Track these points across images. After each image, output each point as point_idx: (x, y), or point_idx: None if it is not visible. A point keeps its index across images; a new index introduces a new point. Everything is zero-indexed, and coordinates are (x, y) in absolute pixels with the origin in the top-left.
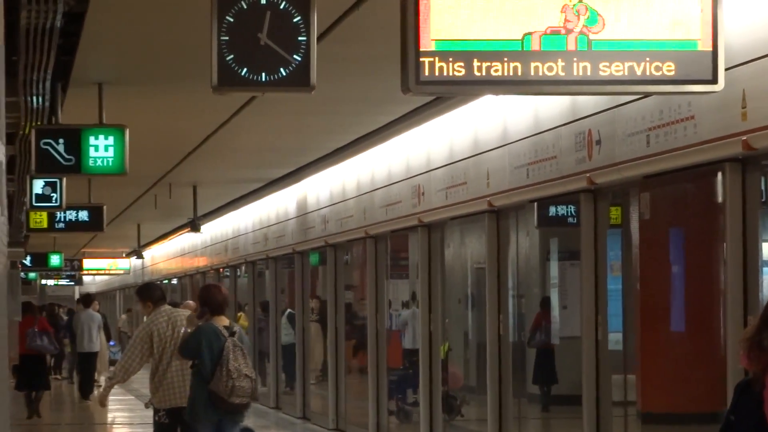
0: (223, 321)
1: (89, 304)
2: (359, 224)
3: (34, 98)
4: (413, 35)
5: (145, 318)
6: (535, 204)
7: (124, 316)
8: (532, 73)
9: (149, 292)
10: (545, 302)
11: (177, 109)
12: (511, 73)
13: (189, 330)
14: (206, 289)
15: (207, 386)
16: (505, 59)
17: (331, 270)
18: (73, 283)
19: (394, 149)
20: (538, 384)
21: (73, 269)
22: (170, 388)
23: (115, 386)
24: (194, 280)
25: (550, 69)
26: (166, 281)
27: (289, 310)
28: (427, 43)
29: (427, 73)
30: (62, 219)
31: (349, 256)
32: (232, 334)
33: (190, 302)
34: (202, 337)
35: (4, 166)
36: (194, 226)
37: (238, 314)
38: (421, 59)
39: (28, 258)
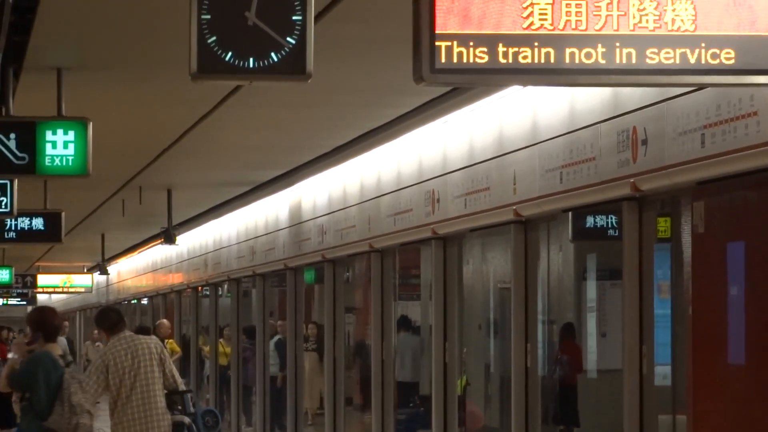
0: (56, 349)
1: None
2: (362, 236)
3: None
4: (428, 15)
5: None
6: (570, 214)
7: (88, 343)
8: (567, 61)
9: (103, 318)
10: (568, 330)
11: (149, 100)
12: (542, 61)
13: (18, 357)
14: (40, 312)
15: (42, 424)
16: (536, 44)
17: (329, 289)
18: (25, 303)
19: (404, 148)
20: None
21: (25, 286)
22: (131, 426)
23: None
24: (168, 299)
25: (588, 56)
26: (135, 301)
27: (278, 336)
28: (444, 25)
29: (443, 60)
30: (13, 227)
31: (351, 273)
32: (68, 364)
33: (165, 321)
34: (39, 366)
35: None
36: (168, 236)
37: (216, 340)
38: (436, 43)
39: None
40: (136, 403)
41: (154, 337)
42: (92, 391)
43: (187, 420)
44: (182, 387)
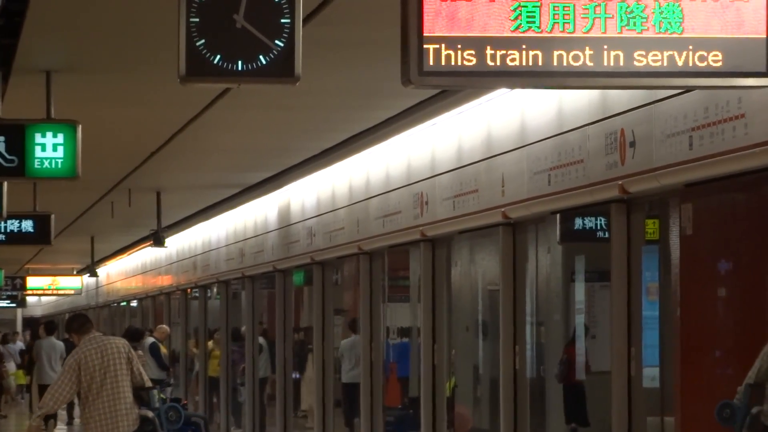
0: None
1: (52, 331)
2: (351, 238)
3: None
4: (416, 18)
5: None
6: (558, 216)
7: None
8: (555, 63)
9: (71, 323)
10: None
11: (138, 103)
12: (530, 63)
13: None
14: None
15: None
16: (524, 47)
17: (318, 291)
18: (14, 305)
19: (392, 150)
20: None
21: (14, 288)
22: (101, 420)
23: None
24: (157, 302)
25: (576, 58)
26: (125, 303)
27: (260, 338)
28: (432, 28)
29: (431, 63)
30: (2, 230)
31: (339, 275)
32: None
33: (164, 327)
34: None
35: None
36: (158, 239)
37: (207, 342)
38: (425, 46)
39: None
40: (106, 398)
41: (122, 339)
42: (65, 391)
43: (151, 414)
44: (148, 384)
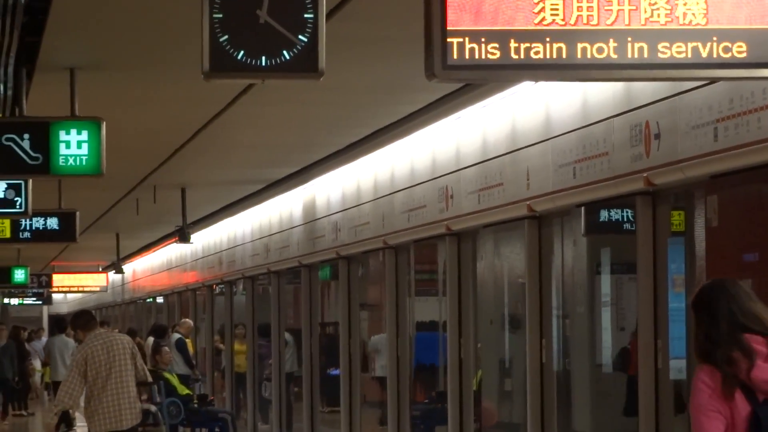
0: None
1: (63, 329)
2: (377, 233)
3: None
4: (440, 11)
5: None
6: (583, 208)
7: None
8: (579, 56)
9: (76, 320)
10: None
11: (162, 100)
12: (554, 56)
13: None
14: None
15: None
16: (548, 39)
17: (344, 286)
18: (40, 302)
19: (417, 145)
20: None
21: (40, 286)
22: (106, 413)
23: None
24: (183, 298)
25: (600, 51)
26: (150, 299)
27: (287, 333)
28: (455, 21)
29: (455, 56)
30: (28, 227)
31: (365, 269)
32: None
33: (188, 321)
34: None
35: None
36: (183, 235)
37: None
38: (448, 39)
39: None
40: (111, 392)
41: (126, 335)
42: (76, 386)
43: (153, 408)
44: (150, 379)
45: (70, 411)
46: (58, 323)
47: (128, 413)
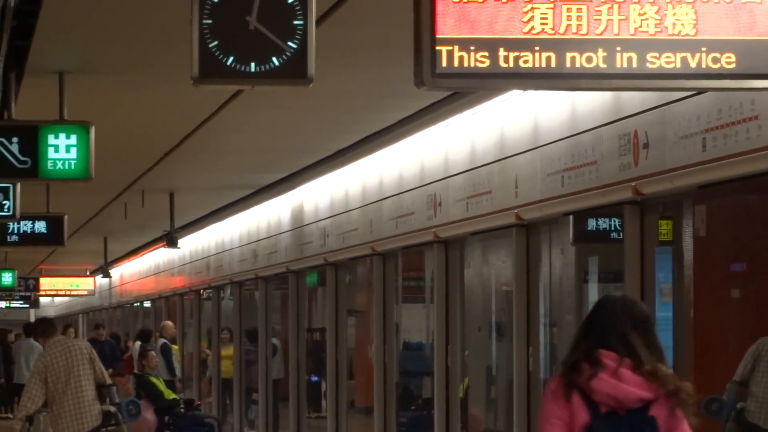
0: None
1: (30, 333)
2: (365, 239)
3: None
4: (429, 19)
5: None
6: (571, 217)
7: None
8: (568, 65)
9: (36, 328)
10: None
11: (151, 104)
12: (543, 65)
13: None
14: None
15: None
16: (537, 48)
17: (332, 292)
18: (27, 306)
19: (406, 151)
20: None
21: (27, 289)
22: (67, 417)
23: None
24: (170, 302)
25: (589, 60)
26: (137, 303)
27: (274, 339)
28: (444, 29)
29: (444, 65)
30: (15, 231)
31: (352, 276)
32: None
33: (169, 323)
34: None
35: None
36: (171, 239)
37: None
38: (437, 48)
39: None
40: (70, 396)
41: (85, 341)
42: (38, 392)
43: (113, 409)
44: (108, 381)
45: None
46: (25, 328)
47: (88, 416)
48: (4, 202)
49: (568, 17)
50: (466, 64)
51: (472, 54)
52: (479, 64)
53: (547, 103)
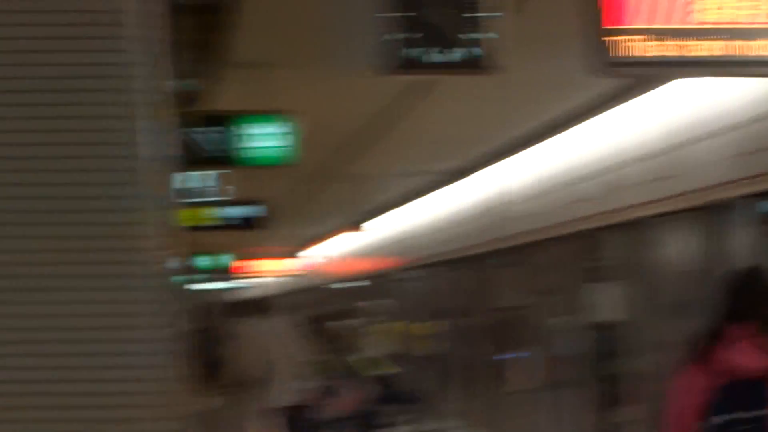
0: None
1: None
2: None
3: (186, 82)
4: (597, 9)
5: None
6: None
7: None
8: (738, 53)
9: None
10: None
11: (343, 95)
12: (714, 53)
13: None
14: None
15: None
16: (710, 36)
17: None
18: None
19: (585, 138)
20: None
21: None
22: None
23: None
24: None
25: (757, 48)
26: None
27: None
28: (615, 20)
29: (617, 53)
30: (222, 216)
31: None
32: None
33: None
34: None
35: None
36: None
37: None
38: (608, 38)
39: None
40: None
41: None
42: None
43: None
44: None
45: None
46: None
47: None
48: (209, 189)
49: (738, 7)
50: (638, 53)
51: (641, 43)
52: (653, 52)
53: (734, 85)
